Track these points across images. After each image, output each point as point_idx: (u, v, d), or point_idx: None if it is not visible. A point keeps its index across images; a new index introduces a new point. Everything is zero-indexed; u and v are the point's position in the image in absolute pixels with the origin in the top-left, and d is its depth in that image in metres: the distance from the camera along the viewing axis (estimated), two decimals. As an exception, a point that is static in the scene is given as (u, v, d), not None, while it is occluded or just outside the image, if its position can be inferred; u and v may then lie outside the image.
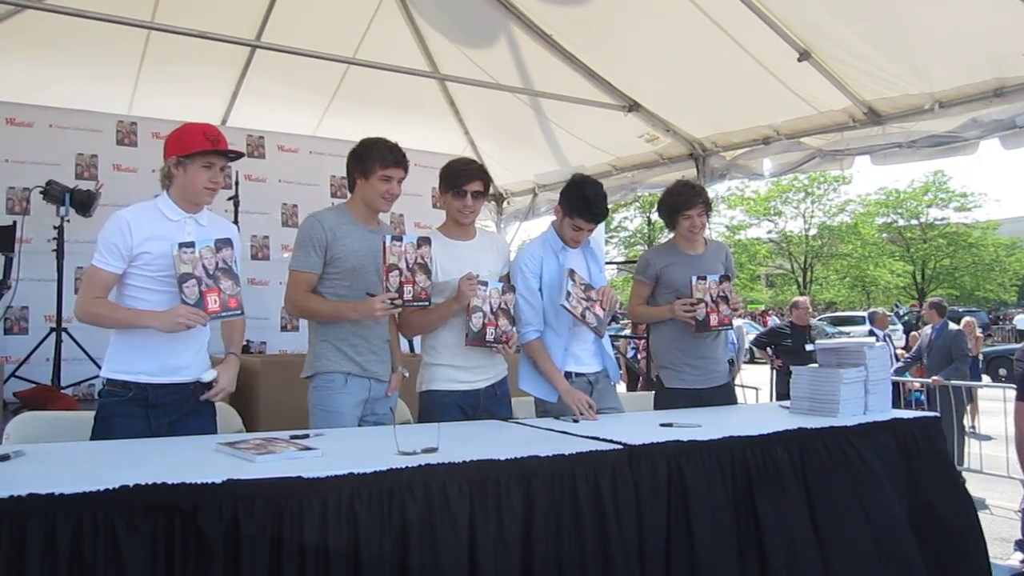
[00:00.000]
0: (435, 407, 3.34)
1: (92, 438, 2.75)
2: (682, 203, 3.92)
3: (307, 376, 3.24)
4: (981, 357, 12.56)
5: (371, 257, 3.21)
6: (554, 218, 3.68)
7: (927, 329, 8.30)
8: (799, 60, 5.04)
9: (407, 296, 3.05)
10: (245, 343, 6.75)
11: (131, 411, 2.77)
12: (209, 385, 2.92)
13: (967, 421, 8.18)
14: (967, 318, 11.25)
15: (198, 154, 2.83)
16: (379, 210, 3.33)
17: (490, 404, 3.45)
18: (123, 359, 2.81)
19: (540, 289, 3.52)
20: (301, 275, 3.18)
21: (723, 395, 3.98)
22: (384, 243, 3.03)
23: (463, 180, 3.40)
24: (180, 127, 2.92)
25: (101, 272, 2.78)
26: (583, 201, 3.51)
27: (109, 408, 2.79)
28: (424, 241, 3.11)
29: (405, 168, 3.25)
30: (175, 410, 2.84)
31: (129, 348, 2.80)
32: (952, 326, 8.12)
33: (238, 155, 2.96)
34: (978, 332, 11.73)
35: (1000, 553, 5.08)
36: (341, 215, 3.27)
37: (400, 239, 3.06)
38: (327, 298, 3.21)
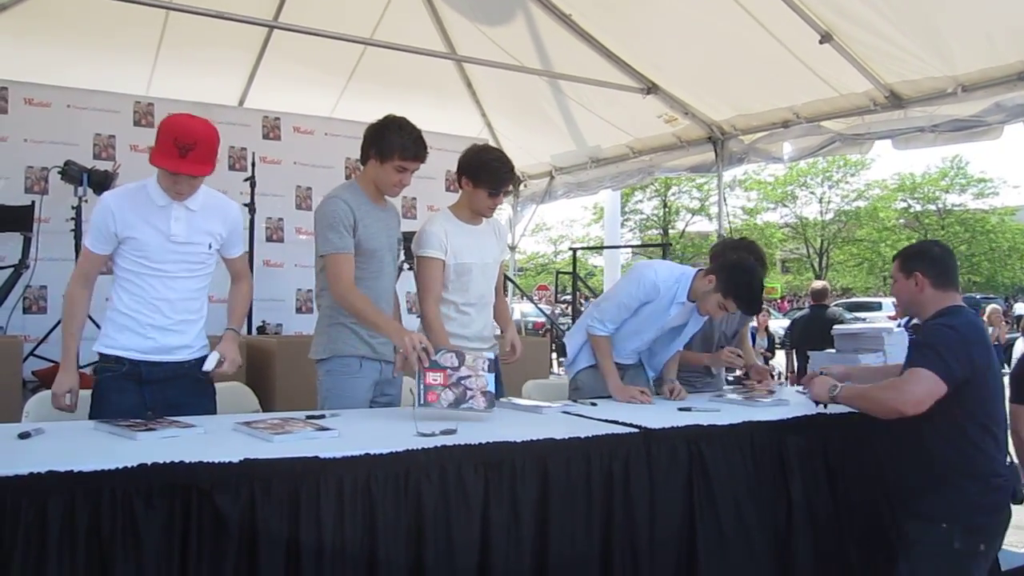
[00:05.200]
0: None
1: (90, 416, 2.70)
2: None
3: (321, 359, 3.16)
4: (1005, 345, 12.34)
5: (386, 238, 3.21)
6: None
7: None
8: (820, 42, 4.98)
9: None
10: (261, 323, 6.78)
11: (125, 386, 2.75)
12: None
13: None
14: (992, 306, 11.03)
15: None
16: (386, 195, 3.30)
17: None
18: (115, 336, 2.79)
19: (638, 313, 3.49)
20: (342, 257, 3.06)
21: None
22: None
23: (503, 183, 3.41)
24: (165, 119, 2.76)
25: (90, 253, 2.81)
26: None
27: (104, 384, 2.78)
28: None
29: (423, 160, 3.20)
30: (171, 387, 2.80)
31: (119, 328, 2.79)
32: None
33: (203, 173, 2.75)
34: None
35: (1015, 541, 5.04)
36: (357, 194, 3.19)
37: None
38: None
